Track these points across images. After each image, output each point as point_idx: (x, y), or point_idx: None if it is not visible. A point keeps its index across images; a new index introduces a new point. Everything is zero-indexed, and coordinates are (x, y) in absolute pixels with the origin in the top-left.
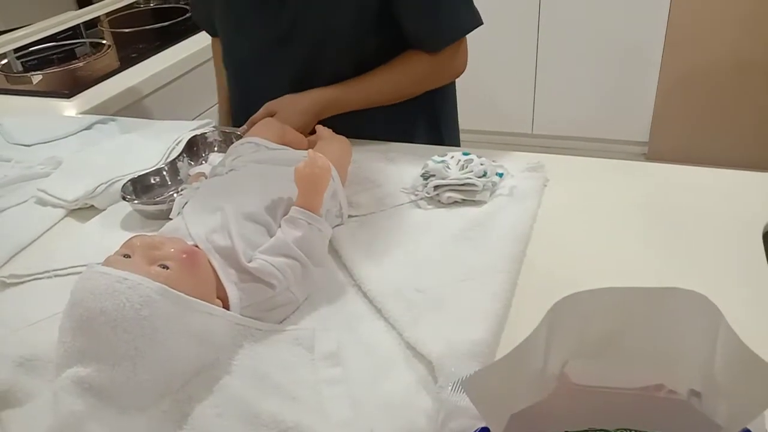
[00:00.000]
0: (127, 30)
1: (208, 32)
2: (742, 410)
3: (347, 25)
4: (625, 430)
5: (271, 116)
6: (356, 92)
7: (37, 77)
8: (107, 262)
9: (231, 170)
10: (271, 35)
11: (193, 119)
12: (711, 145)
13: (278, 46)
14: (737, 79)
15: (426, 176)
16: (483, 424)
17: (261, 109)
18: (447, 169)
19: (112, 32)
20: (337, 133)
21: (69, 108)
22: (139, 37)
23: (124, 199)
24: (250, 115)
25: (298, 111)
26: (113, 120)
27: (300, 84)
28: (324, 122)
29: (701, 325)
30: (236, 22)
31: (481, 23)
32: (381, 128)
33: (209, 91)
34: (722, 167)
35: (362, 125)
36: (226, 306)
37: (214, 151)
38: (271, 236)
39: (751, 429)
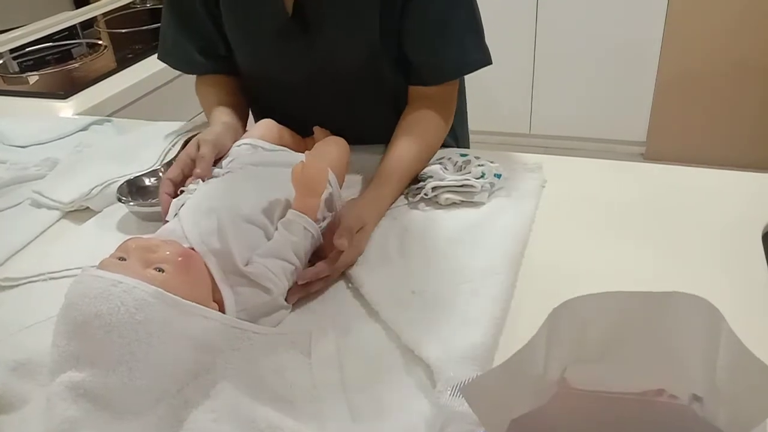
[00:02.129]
0: (123, 30)
1: (186, 71)
2: (744, 416)
3: (371, 56)
4: None
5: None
6: (393, 191)
7: (33, 78)
8: (102, 265)
9: (228, 172)
10: (299, 74)
11: (190, 120)
12: (709, 144)
13: (307, 83)
14: (735, 78)
15: (424, 177)
16: (482, 430)
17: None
18: (445, 171)
19: (108, 33)
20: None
21: (65, 109)
22: (136, 37)
23: (119, 200)
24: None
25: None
26: (109, 121)
27: (334, 115)
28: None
29: (702, 329)
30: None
31: (490, 63)
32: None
33: None
34: (720, 167)
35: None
36: (221, 309)
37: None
38: (268, 238)
39: None
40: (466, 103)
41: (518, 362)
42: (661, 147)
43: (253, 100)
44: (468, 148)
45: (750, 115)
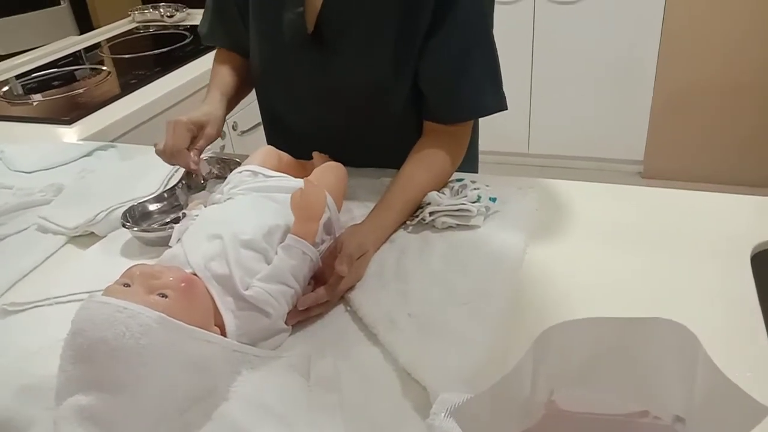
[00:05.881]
0: (127, 56)
1: (217, 44)
2: None
3: (389, 77)
4: None
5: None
6: (396, 219)
7: (36, 99)
8: (107, 291)
9: (229, 198)
10: (313, 88)
11: None
12: (707, 162)
13: (318, 100)
14: (731, 97)
15: (422, 204)
16: None
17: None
18: (441, 196)
19: (112, 58)
20: (346, 161)
21: (69, 134)
22: (139, 63)
23: (124, 226)
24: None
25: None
26: (113, 146)
27: (341, 131)
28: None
29: (681, 354)
30: (279, 71)
31: (505, 108)
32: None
33: None
34: (718, 185)
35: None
36: (223, 333)
37: (212, 178)
38: (268, 263)
39: None
40: (478, 131)
41: (506, 385)
42: (658, 165)
43: (263, 109)
44: (476, 171)
45: (747, 133)
